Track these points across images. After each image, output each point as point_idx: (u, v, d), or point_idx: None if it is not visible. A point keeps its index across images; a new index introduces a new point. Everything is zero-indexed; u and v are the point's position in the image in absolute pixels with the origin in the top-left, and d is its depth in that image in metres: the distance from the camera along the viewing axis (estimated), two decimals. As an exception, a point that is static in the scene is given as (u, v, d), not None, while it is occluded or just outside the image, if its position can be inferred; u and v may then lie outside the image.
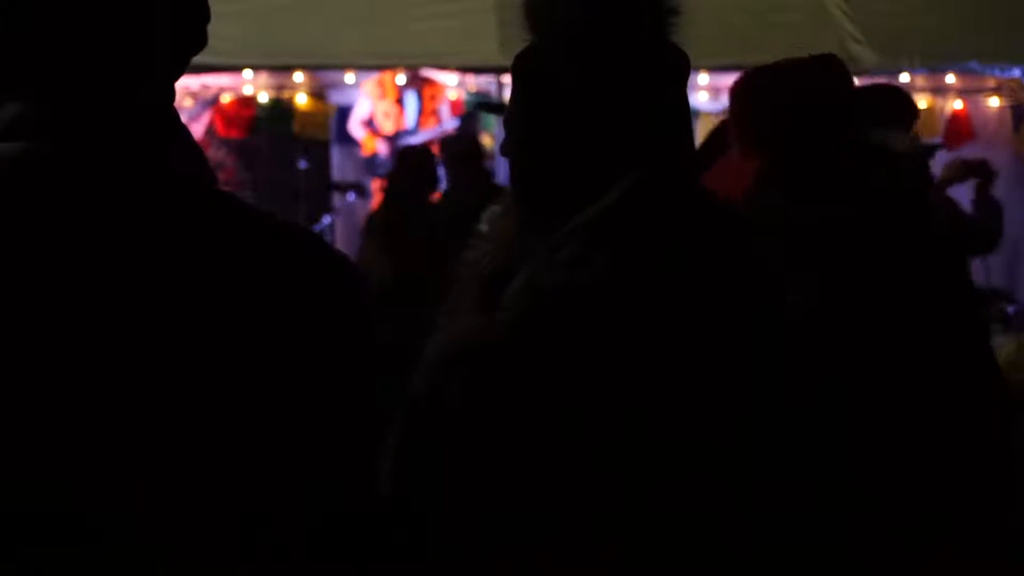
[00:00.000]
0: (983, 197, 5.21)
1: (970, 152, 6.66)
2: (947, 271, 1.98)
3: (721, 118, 7.99)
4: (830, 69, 2.04)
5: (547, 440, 1.13)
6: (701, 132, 8.38)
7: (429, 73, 7.75)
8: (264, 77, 8.30)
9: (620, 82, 1.21)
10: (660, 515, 1.15)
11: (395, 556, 1.17)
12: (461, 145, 5.78)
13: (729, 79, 8.99)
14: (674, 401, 1.16)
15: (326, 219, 9.21)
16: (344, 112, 8.47)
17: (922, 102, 7.37)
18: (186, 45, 1.10)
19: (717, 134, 2.50)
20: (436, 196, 6.09)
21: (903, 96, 2.06)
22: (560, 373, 1.13)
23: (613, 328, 1.15)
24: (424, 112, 7.77)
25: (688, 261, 1.20)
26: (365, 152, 8.05)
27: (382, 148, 7.81)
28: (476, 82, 7.89)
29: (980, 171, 5.00)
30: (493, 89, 7.56)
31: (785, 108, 1.98)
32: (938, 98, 7.97)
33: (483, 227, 3.35)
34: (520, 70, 1.27)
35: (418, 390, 1.17)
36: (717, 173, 2.09)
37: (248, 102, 8.60)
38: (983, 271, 7.40)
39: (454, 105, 8.07)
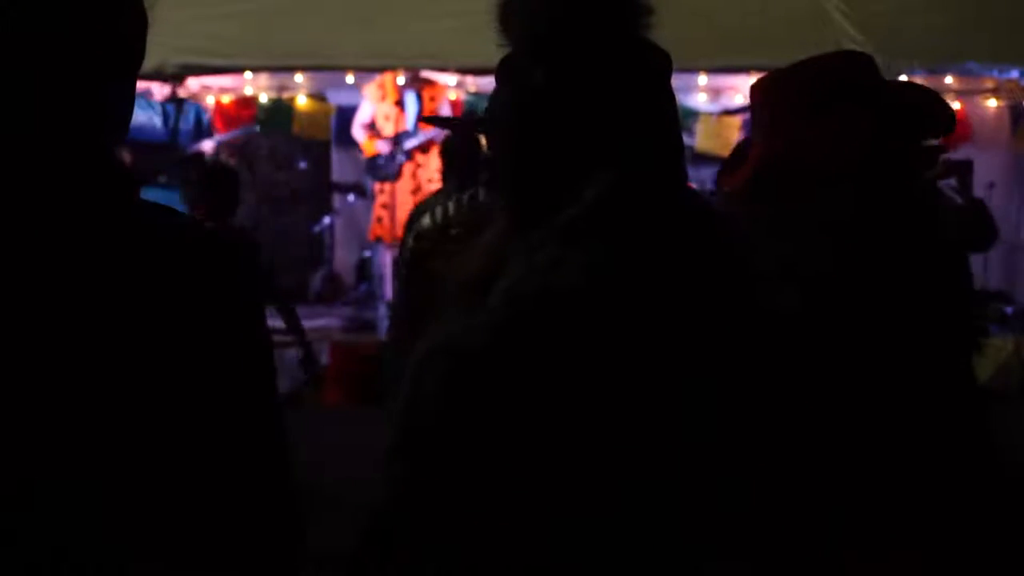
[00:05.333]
0: (965, 194, 5.23)
1: (968, 153, 6.67)
2: (949, 273, 1.98)
3: (719, 117, 7.99)
4: (869, 64, 2.02)
5: (523, 444, 1.14)
6: (701, 132, 8.40)
7: (429, 74, 7.75)
8: (264, 77, 8.30)
9: (589, 81, 1.21)
10: (636, 519, 1.16)
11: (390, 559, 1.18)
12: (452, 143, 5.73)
13: (728, 80, 8.92)
14: (649, 403, 1.16)
15: (326, 219, 9.21)
16: (344, 112, 8.47)
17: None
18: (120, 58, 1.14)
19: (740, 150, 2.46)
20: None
21: (942, 103, 2.05)
22: (536, 378, 1.14)
23: (589, 332, 1.15)
24: (424, 114, 7.76)
25: (665, 262, 1.20)
26: (366, 154, 8.04)
27: (383, 149, 7.80)
28: (476, 83, 7.89)
29: (957, 169, 5.04)
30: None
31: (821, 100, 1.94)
32: (936, 99, 7.97)
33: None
34: (500, 73, 1.28)
35: (401, 393, 1.18)
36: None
37: (248, 102, 8.61)
38: (981, 271, 7.41)
39: (454, 106, 8.07)
